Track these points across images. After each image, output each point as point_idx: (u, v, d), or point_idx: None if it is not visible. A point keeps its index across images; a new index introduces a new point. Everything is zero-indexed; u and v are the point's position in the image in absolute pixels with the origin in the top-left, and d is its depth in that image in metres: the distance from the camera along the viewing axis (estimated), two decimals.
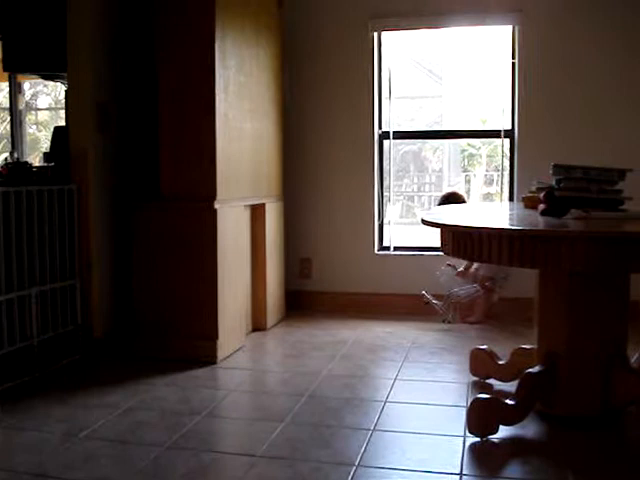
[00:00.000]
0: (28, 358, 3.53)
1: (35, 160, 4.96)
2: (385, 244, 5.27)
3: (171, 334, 3.88)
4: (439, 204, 4.98)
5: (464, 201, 4.94)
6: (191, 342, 3.84)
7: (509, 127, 5.00)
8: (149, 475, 2.46)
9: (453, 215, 3.33)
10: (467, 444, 2.70)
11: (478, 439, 2.72)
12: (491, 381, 3.39)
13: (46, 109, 9.54)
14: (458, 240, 2.68)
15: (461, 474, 2.44)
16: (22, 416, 3.04)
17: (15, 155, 6.02)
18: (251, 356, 4.06)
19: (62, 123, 4.32)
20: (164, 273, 3.88)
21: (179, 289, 3.86)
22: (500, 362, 3.36)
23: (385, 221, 5.28)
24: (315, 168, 5.19)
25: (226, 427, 3.03)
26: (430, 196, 11.83)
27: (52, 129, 4.46)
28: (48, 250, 3.68)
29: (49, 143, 4.36)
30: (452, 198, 4.91)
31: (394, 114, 5.30)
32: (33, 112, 9.45)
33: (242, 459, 2.60)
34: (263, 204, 4.54)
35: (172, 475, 2.46)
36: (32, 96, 9.03)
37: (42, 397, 3.28)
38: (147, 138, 4.05)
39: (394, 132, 5.21)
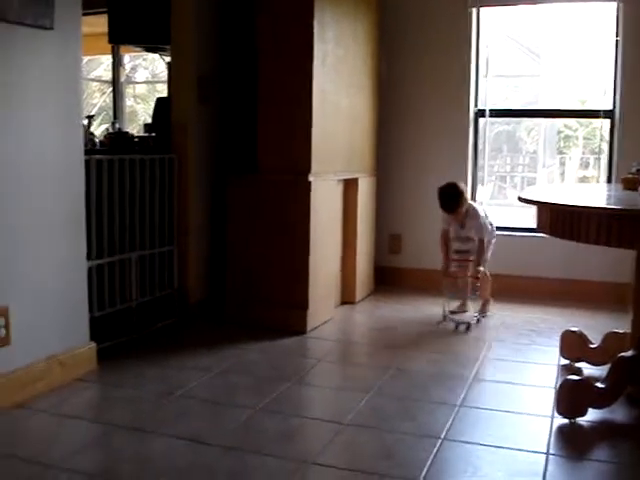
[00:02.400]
0: (127, 320, 3.68)
1: (134, 132, 5.11)
2: None
3: (262, 303, 3.97)
4: (438, 196, 4.19)
5: (459, 193, 4.16)
6: (282, 311, 3.93)
7: (610, 107, 4.86)
8: (240, 435, 2.55)
9: (551, 193, 3.28)
10: (555, 425, 2.69)
11: (566, 420, 2.70)
12: (581, 365, 3.35)
13: (144, 82, 9.76)
14: (556, 219, 2.65)
15: (548, 453, 2.44)
16: (120, 374, 3.19)
17: (117, 126, 6.23)
18: (339, 328, 4.12)
19: (159, 97, 4.45)
20: (257, 243, 3.97)
21: (271, 259, 3.94)
22: (592, 345, 3.31)
23: (477, 201, 5.23)
24: (408, 144, 5.17)
25: (314, 394, 3.09)
26: (523, 177, 11.60)
27: (153, 101, 4.60)
28: (148, 217, 3.82)
29: (147, 115, 4.50)
30: (448, 190, 4.19)
31: (490, 93, 5.22)
32: (131, 85, 9.70)
33: (329, 425, 2.67)
34: (356, 179, 4.57)
35: (262, 436, 2.55)
36: (131, 69, 9.26)
37: (139, 357, 3.43)
38: (246, 111, 4.14)
39: (490, 110, 5.14)
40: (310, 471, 2.29)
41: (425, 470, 2.28)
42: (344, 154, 4.34)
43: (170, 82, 4.17)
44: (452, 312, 4.27)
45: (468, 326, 4.04)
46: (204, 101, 4.11)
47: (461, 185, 4.21)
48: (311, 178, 3.83)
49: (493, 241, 4.37)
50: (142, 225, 3.78)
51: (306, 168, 3.83)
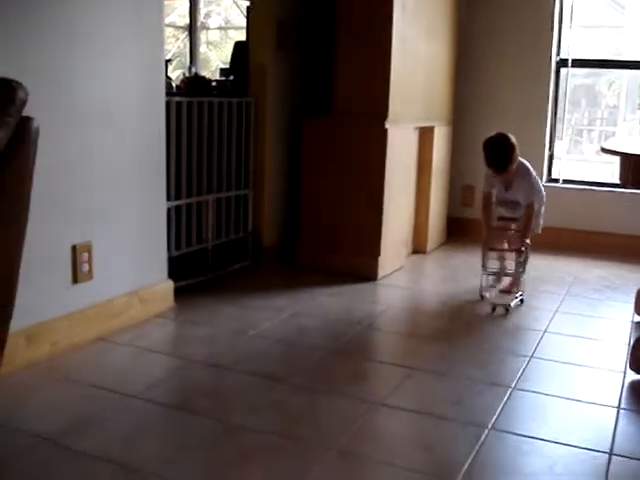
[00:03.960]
0: (202, 260, 3.77)
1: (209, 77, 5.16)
2: (554, 176, 5.13)
3: (335, 249, 4.01)
4: (483, 149, 3.55)
5: (512, 147, 3.49)
6: (353, 258, 3.95)
7: None
8: (313, 374, 2.61)
9: (635, 144, 3.19)
10: (627, 380, 2.66)
11: (639, 377, 2.67)
12: None
13: (217, 28, 9.78)
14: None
15: (619, 408, 2.42)
16: (196, 312, 3.28)
17: (193, 70, 6.28)
18: (410, 276, 4.14)
19: (230, 44, 4.46)
20: (331, 188, 3.98)
21: (345, 205, 3.96)
22: None
23: (555, 154, 5.13)
24: (486, 93, 5.08)
25: (384, 339, 3.13)
26: (601, 132, 11.29)
27: (226, 47, 4.64)
28: (225, 160, 3.87)
29: (219, 61, 4.52)
30: (499, 143, 3.53)
31: (572, 43, 5.06)
32: (204, 31, 9.74)
33: (399, 369, 2.70)
34: (432, 127, 4.53)
35: (334, 376, 2.60)
36: (205, 15, 9.28)
37: (214, 297, 3.51)
38: (323, 56, 4.12)
39: (573, 60, 4.99)
40: (379, 412, 2.33)
41: (494, 417, 2.30)
42: (421, 102, 4.30)
43: (249, 27, 4.17)
44: (491, 286, 3.68)
45: (507, 309, 3.44)
46: (283, 46, 4.11)
47: (512, 138, 3.51)
48: (388, 124, 3.81)
49: (542, 210, 3.75)
50: (219, 168, 3.83)
51: (383, 113, 3.81)
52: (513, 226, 3.67)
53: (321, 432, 2.17)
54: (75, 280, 2.79)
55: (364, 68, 3.87)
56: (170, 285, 3.31)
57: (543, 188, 3.74)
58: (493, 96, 5.07)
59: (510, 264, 3.69)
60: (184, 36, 7.72)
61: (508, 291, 3.65)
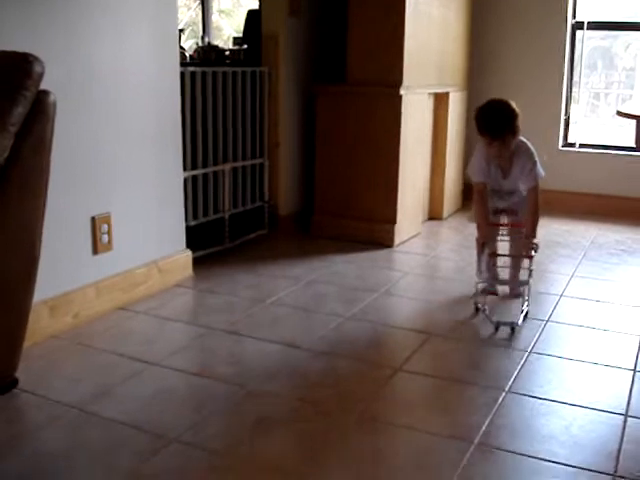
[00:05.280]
0: (219, 230, 3.80)
1: (221, 46, 5.15)
2: (570, 140, 5.10)
3: (350, 216, 4.02)
4: (477, 116, 2.93)
5: (513, 112, 2.87)
6: (369, 225, 3.97)
7: None
8: (331, 340, 2.65)
9: None
10: None
11: None
12: None
13: None
14: None
15: (635, 370, 2.44)
16: (214, 281, 3.31)
17: (206, 39, 6.26)
18: (426, 243, 4.15)
19: (243, 12, 4.44)
20: (346, 156, 3.99)
21: (360, 172, 3.96)
22: None
23: (571, 118, 5.09)
24: (501, 57, 5.04)
25: (401, 305, 3.15)
26: (618, 95, 11.16)
27: (238, 15, 4.61)
28: (240, 129, 3.88)
29: (231, 30, 4.50)
30: (497, 106, 2.93)
31: (587, 5, 5.00)
32: (216, 0, 9.69)
33: (416, 335, 2.73)
34: (447, 93, 4.51)
35: (351, 343, 2.64)
36: None
37: (232, 265, 3.55)
38: (336, 23, 4.10)
39: (588, 22, 4.94)
40: (398, 377, 2.36)
41: (511, 380, 2.33)
42: (436, 67, 4.28)
43: None
44: (489, 292, 3.13)
45: (513, 328, 2.78)
46: (295, 14, 4.09)
47: (514, 105, 2.89)
48: (402, 91, 3.80)
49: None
50: (234, 137, 3.85)
51: (397, 80, 3.80)
52: (506, 220, 3.12)
53: (340, 397, 2.20)
54: (95, 251, 2.83)
55: (377, 34, 3.84)
56: (188, 255, 3.35)
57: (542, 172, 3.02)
58: (509, 60, 5.03)
59: (514, 272, 3.16)
60: (196, 5, 7.69)
61: (515, 294, 3.14)
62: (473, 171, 3.03)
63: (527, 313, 2.93)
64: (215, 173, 3.73)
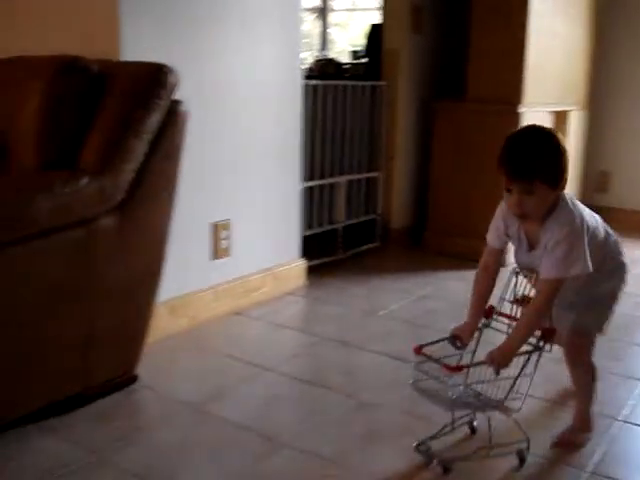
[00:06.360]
0: (332, 240, 3.85)
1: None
2: None
3: (463, 232, 3.98)
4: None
5: (555, 147, 1.79)
6: (481, 244, 3.91)
7: None
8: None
9: None
10: None
11: None
12: None
13: (343, 10, 9.84)
14: None
15: None
16: (326, 291, 3.36)
17: (324, 53, 6.36)
18: None
19: (356, 26, 4.47)
20: (462, 173, 3.96)
21: (475, 189, 3.92)
22: None
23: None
24: (625, 77, 4.89)
25: None
26: None
27: (352, 28, 4.64)
28: (357, 142, 3.92)
29: (344, 43, 4.53)
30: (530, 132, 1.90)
31: None
32: (330, 13, 9.81)
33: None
34: (567, 112, 4.41)
35: None
36: None
37: (344, 276, 3.59)
38: (457, 41, 4.09)
39: None
40: None
41: (626, 410, 2.26)
42: (557, 85, 4.20)
43: (385, 10, 4.19)
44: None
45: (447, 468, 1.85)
46: (417, 30, 4.11)
47: (562, 140, 1.81)
48: (521, 109, 3.75)
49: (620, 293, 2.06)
50: (351, 150, 3.89)
51: (517, 98, 3.75)
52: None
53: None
54: (214, 256, 2.92)
55: (498, 51, 3.80)
56: (303, 264, 3.41)
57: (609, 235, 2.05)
58: (631, 80, 4.88)
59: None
60: (312, 18, 7.81)
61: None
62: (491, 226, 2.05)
63: (528, 447, 1.93)
64: (331, 185, 3.79)
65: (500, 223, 1.98)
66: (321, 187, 3.73)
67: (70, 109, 2.08)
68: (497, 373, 1.80)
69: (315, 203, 3.70)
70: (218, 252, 2.93)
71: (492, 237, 2.03)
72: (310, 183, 3.61)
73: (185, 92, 2.28)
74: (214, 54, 2.77)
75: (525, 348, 1.86)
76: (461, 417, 2.01)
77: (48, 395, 2.07)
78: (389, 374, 2.48)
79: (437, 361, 1.83)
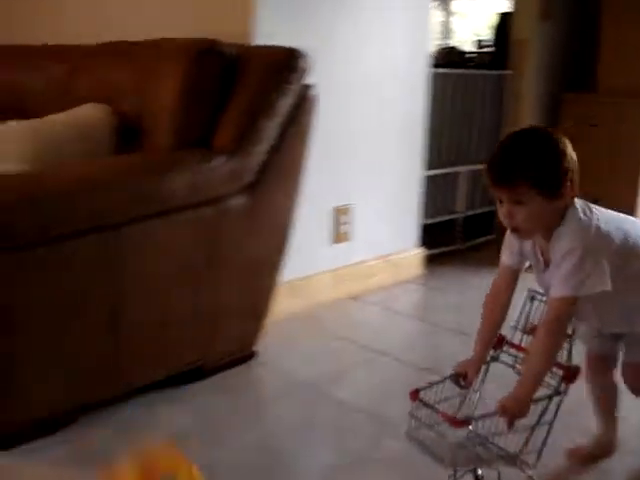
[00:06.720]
0: (450, 230, 3.82)
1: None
2: None
3: None
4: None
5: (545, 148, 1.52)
6: None
7: None
8: None
9: None
10: None
11: None
12: None
13: None
14: None
15: None
16: (444, 280, 3.35)
17: (447, 41, 6.30)
18: None
19: (476, 15, 4.39)
20: (587, 169, 3.79)
21: (601, 187, 3.75)
22: None
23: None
24: None
25: None
26: None
27: (471, 17, 4.56)
28: (480, 132, 3.87)
29: (468, 32, 4.46)
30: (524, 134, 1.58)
31: None
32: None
33: None
34: None
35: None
36: None
37: (462, 267, 3.56)
38: (588, 29, 3.96)
39: None
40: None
41: None
42: None
43: None
44: None
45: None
46: (547, 18, 4.00)
47: (565, 144, 1.55)
48: None
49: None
50: (474, 140, 3.85)
51: None
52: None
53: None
54: (334, 240, 2.96)
55: (633, 40, 3.66)
56: (421, 252, 3.40)
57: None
58: None
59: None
60: (435, 6, 7.73)
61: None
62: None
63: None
64: (452, 174, 3.75)
65: (513, 239, 1.67)
66: (442, 176, 3.70)
67: (207, 91, 2.15)
68: (511, 426, 1.51)
69: (437, 192, 3.67)
70: (338, 236, 2.96)
71: (505, 254, 1.75)
72: (431, 172, 3.58)
73: (315, 76, 2.31)
74: (345, 39, 2.80)
75: (542, 391, 1.56)
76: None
77: (172, 364, 2.15)
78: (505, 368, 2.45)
79: (436, 410, 1.58)
